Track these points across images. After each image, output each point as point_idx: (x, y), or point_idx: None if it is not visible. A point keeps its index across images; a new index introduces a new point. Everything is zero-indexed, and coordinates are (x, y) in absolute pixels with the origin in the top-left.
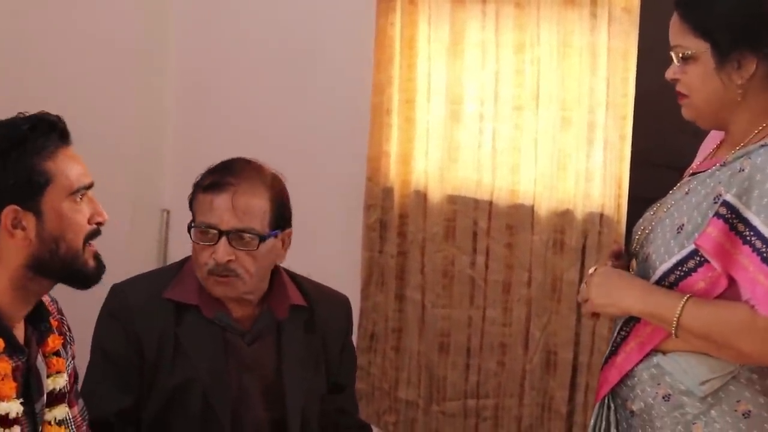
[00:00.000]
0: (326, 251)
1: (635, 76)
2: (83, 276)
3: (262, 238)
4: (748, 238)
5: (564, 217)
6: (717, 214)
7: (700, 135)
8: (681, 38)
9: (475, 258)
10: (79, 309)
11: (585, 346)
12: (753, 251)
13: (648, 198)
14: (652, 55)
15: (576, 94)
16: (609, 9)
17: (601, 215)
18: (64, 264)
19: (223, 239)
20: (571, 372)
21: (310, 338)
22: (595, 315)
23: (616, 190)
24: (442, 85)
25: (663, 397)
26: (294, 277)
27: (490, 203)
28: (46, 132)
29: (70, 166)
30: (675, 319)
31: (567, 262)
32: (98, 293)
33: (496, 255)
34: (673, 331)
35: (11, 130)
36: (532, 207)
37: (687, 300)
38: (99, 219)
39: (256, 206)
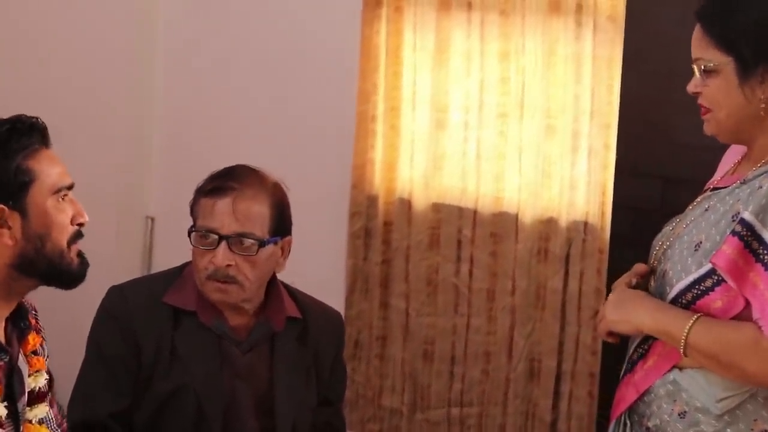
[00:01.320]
0: (311, 258)
1: (620, 84)
2: (68, 275)
3: (262, 244)
4: (762, 256)
5: (548, 225)
6: (733, 232)
7: (686, 145)
8: (703, 51)
9: (460, 266)
10: (71, 310)
11: (569, 354)
12: (765, 269)
13: (632, 206)
14: (636, 64)
15: (561, 103)
16: (594, 17)
17: (586, 223)
18: (50, 262)
19: (223, 244)
20: (554, 380)
21: (303, 351)
22: (611, 335)
23: (601, 198)
24: (427, 93)
25: (679, 414)
26: (289, 289)
27: (475, 211)
28: (26, 132)
29: (51, 166)
30: (683, 337)
31: (551, 270)
32: (91, 295)
33: (480, 263)
34: (682, 350)
35: None
36: (517, 215)
37: (696, 319)
38: (80, 219)
39: (257, 212)
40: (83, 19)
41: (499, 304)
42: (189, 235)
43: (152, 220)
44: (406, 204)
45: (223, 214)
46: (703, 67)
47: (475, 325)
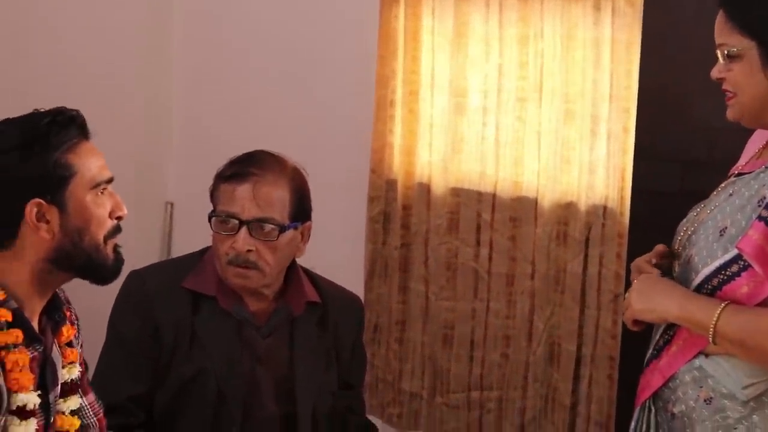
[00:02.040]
0: (330, 243)
1: (639, 68)
2: (103, 269)
3: (282, 229)
4: None
5: (567, 209)
6: (760, 217)
7: (704, 129)
8: (726, 36)
9: (479, 250)
10: (91, 295)
11: (588, 338)
12: None
13: (651, 190)
14: (655, 48)
15: (579, 87)
16: (612, 1)
17: (605, 207)
18: (87, 257)
19: (244, 229)
20: (574, 364)
21: (323, 335)
22: (637, 323)
23: (620, 182)
24: (446, 77)
25: (705, 401)
26: (309, 274)
27: (494, 195)
28: (66, 126)
29: (91, 160)
30: (712, 325)
31: (570, 254)
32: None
33: (499, 247)
34: (711, 338)
35: (32, 124)
36: (536, 199)
37: (725, 306)
38: (119, 213)
39: (277, 197)
40: (102, 6)
41: (518, 288)
42: (209, 221)
43: (171, 205)
44: (425, 188)
45: (243, 199)
46: (726, 53)
47: (495, 309)
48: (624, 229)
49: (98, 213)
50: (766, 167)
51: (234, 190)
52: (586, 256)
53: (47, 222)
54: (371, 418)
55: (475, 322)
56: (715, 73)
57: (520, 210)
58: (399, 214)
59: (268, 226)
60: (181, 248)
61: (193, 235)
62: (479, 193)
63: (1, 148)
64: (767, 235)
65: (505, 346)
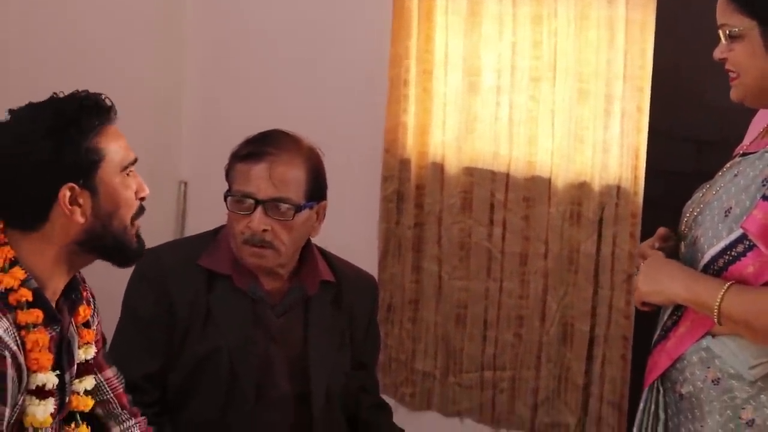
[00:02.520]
0: (343, 222)
1: (653, 48)
2: (128, 251)
3: (298, 209)
4: None
5: (581, 189)
6: (764, 197)
7: (718, 109)
8: (728, 17)
9: (492, 230)
10: (105, 274)
11: (602, 318)
12: None
13: (665, 170)
14: (669, 28)
15: (593, 66)
16: None
17: (618, 187)
18: (115, 239)
19: (259, 208)
20: (587, 344)
21: (337, 314)
22: (646, 305)
23: (633, 161)
24: (460, 56)
25: (712, 381)
26: (323, 253)
27: (507, 175)
28: (95, 110)
29: (118, 143)
30: (716, 306)
31: (584, 234)
32: None
33: (513, 227)
34: (715, 318)
35: (61, 109)
36: (549, 179)
37: (729, 287)
38: (143, 193)
39: (293, 176)
40: None
41: (531, 267)
42: (225, 200)
43: (185, 184)
44: (439, 168)
45: (259, 179)
46: (728, 33)
47: (508, 288)
48: (638, 209)
49: (126, 195)
50: None
51: (250, 169)
52: (599, 236)
53: (80, 206)
54: (384, 397)
55: (489, 302)
56: (717, 54)
57: (534, 190)
58: (412, 194)
59: (284, 206)
60: (195, 227)
61: (207, 213)
62: (493, 173)
63: (33, 134)
64: None
65: (518, 326)
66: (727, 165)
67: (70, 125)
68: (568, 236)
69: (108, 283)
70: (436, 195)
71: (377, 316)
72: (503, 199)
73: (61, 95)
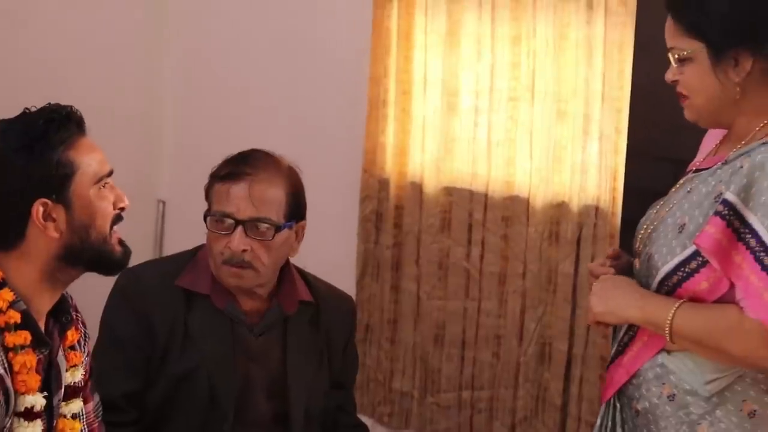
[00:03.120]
0: (322, 242)
1: (631, 68)
2: (111, 261)
3: (278, 228)
4: (744, 235)
5: (559, 209)
6: (716, 213)
7: (696, 128)
8: (676, 40)
9: (471, 249)
10: (84, 293)
11: (580, 338)
12: (747, 249)
13: (644, 190)
14: (648, 48)
15: (572, 87)
16: (605, 1)
17: (597, 207)
18: (94, 251)
19: (239, 228)
20: (565, 364)
21: (315, 334)
22: (601, 324)
23: (612, 182)
24: (438, 76)
25: (668, 397)
26: (301, 273)
27: (486, 195)
28: (63, 123)
29: (92, 155)
30: (668, 324)
31: (562, 254)
32: (103, 277)
33: (491, 247)
34: (668, 337)
35: (28, 124)
36: (528, 199)
37: (680, 305)
38: (122, 204)
39: (273, 196)
40: (96, 5)
41: (510, 287)
42: (204, 219)
43: (164, 203)
44: (418, 188)
45: (239, 198)
46: (677, 56)
47: (486, 308)
48: (616, 230)
49: (102, 207)
50: (722, 163)
51: (229, 189)
52: (577, 256)
53: (54, 220)
54: (362, 417)
55: (467, 322)
56: (668, 76)
57: (512, 209)
58: (391, 214)
59: (264, 226)
60: (173, 246)
61: (185, 233)
62: (471, 193)
63: (2, 151)
64: (723, 229)
65: (496, 345)
66: (681, 181)
67: (37, 139)
68: (546, 256)
69: (86, 300)
70: (415, 215)
71: (355, 337)
72: (482, 218)
73: (33, 110)
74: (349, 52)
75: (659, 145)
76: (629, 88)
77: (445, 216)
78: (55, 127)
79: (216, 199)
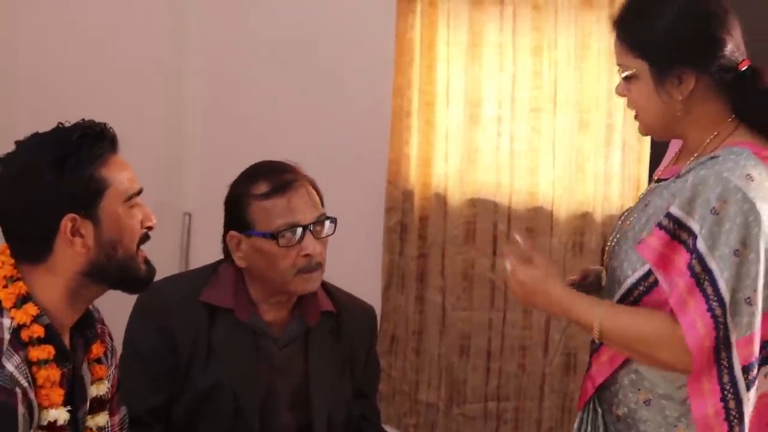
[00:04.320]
0: (347, 254)
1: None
2: (136, 280)
3: (334, 220)
4: (687, 242)
5: (583, 219)
6: (659, 225)
7: None
8: (622, 58)
9: (495, 260)
10: (108, 307)
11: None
12: (686, 250)
13: None
14: None
15: (594, 97)
16: None
17: None
18: (121, 269)
19: (308, 233)
20: None
21: (337, 345)
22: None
23: (635, 191)
24: (461, 88)
25: (644, 402)
26: (322, 283)
27: (509, 206)
28: (97, 139)
29: (123, 173)
30: (596, 329)
31: (586, 264)
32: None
33: None
34: (597, 338)
35: (62, 139)
36: (551, 210)
37: (606, 310)
38: (149, 223)
39: (317, 193)
40: (120, 18)
41: None
42: (272, 240)
43: (189, 216)
44: (442, 199)
45: (302, 205)
46: (623, 74)
47: (511, 319)
48: None
49: (131, 225)
50: (676, 177)
51: (289, 200)
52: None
53: (82, 236)
54: (388, 428)
55: (492, 333)
56: (617, 91)
57: (536, 220)
58: (416, 225)
59: (327, 223)
60: (199, 259)
61: (211, 245)
62: (495, 204)
63: (36, 164)
64: (667, 241)
65: (521, 356)
66: (644, 191)
67: (71, 155)
68: (570, 266)
69: (109, 317)
70: (439, 226)
71: (376, 346)
72: (506, 229)
73: (67, 125)
74: (372, 64)
75: None
76: None
77: (469, 227)
78: (89, 143)
79: (274, 215)
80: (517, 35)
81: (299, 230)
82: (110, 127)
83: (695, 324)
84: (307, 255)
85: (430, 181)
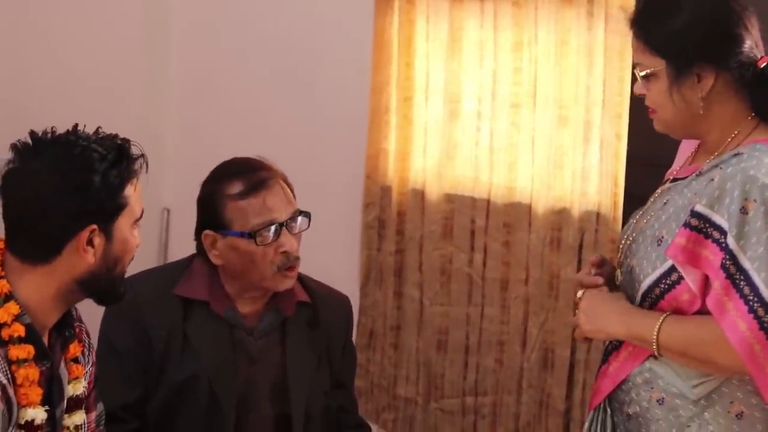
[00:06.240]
0: (325, 249)
1: (631, 74)
2: (116, 296)
3: (307, 215)
4: (715, 236)
5: (561, 215)
6: (686, 224)
7: None
8: (640, 56)
9: (473, 256)
10: (82, 303)
11: (582, 344)
12: (717, 246)
13: (643, 196)
14: None
15: (573, 93)
16: (606, 7)
17: (598, 213)
18: (111, 283)
19: (283, 230)
20: (568, 369)
21: (314, 335)
22: (588, 339)
23: (613, 188)
24: (440, 83)
25: (657, 401)
26: (298, 274)
27: (488, 201)
28: (136, 159)
29: (137, 195)
30: (654, 339)
31: (564, 259)
32: None
33: (493, 253)
34: (655, 352)
35: (110, 150)
36: (530, 205)
37: (664, 320)
38: (137, 243)
39: (290, 189)
40: (99, 13)
41: (512, 293)
42: (247, 239)
43: (168, 211)
44: (420, 194)
45: (277, 202)
46: (642, 73)
47: (489, 314)
48: (617, 235)
49: (132, 245)
50: (697, 174)
51: (264, 199)
52: (579, 261)
53: (93, 247)
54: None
55: (470, 328)
56: (636, 90)
57: (514, 216)
58: (394, 221)
59: (300, 217)
60: (178, 253)
61: (190, 240)
62: (473, 199)
63: (80, 170)
64: (692, 238)
65: (499, 351)
66: (659, 190)
67: (113, 167)
68: (548, 262)
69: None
70: (417, 221)
71: (353, 336)
72: (484, 225)
73: (82, 129)
74: (350, 60)
75: (660, 151)
76: (629, 94)
77: (447, 222)
78: (126, 161)
79: (250, 214)
80: (497, 31)
81: (275, 227)
82: (143, 152)
83: (737, 325)
84: (284, 251)
85: (408, 176)
